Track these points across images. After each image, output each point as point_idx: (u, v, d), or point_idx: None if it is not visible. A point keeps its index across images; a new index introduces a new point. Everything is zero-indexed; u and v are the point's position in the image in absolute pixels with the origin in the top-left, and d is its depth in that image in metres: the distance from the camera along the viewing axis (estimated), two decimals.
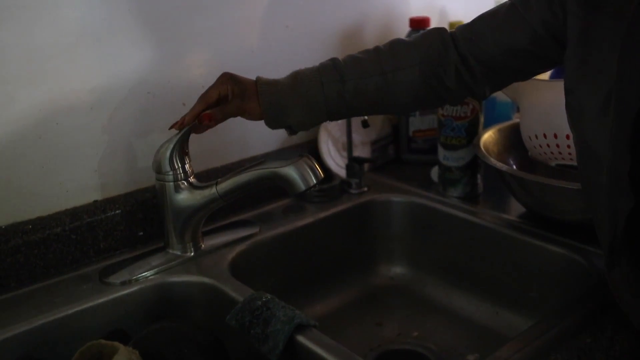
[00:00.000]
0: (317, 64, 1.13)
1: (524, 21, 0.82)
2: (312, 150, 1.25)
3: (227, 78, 0.90)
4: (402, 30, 1.36)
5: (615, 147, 0.67)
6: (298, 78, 0.89)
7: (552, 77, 1.23)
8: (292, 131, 0.92)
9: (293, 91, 0.88)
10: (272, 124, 0.90)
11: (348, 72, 0.89)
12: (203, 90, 1.07)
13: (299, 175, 0.88)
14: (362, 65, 0.89)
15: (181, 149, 0.94)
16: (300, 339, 0.77)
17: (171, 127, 0.93)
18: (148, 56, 1.01)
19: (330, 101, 0.89)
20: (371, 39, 1.34)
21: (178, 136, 0.92)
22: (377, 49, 0.91)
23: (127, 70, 1.00)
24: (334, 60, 0.91)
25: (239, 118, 1.00)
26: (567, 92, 0.77)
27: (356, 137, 1.26)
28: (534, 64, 0.87)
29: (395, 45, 0.91)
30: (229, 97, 0.89)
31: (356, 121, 1.21)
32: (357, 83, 0.89)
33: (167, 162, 0.93)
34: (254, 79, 0.91)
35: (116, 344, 0.73)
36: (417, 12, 1.40)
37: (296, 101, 0.88)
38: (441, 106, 1.03)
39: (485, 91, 0.92)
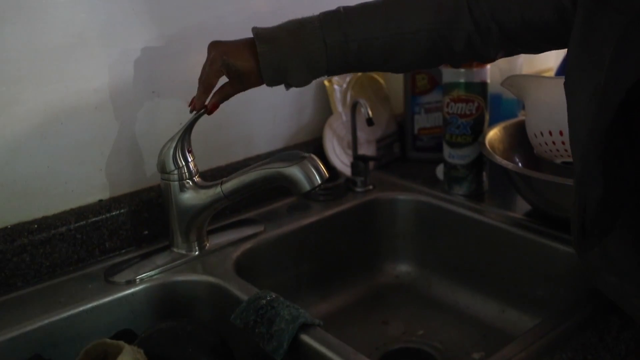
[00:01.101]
0: None
1: None
2: (317, 149, 1.25)
3: (219, 63, 0.88)
4: None
5: (592, 134, 0.67)
6: (300, 35, 0.87)
7: (557, 73, 1.23)
8: (289, 86, 0.91)
9: (295, 51, 0.87)
10: (271, 83, 0.90)
11: (352, 31, 0.87)
12: None
13: (304, 175, 0.88)
14: (367, 25, 0.87)
15: (183, 146, 0.94)
16: (305, 338, 0.77)
17: (191, 110, 0.93)
18: (152, 55, 1.01)
19: (332, 61, 0.88)
20: None
21: (179, 133, 0.93)
22: (385, 4, 0.88)
23: (131, 70, 1.00)
24: (337, 15, 0.88)
25: (242, 118, 1.01)
26: (565, 76, 0.77)
27: (361, 135, 1.25)
28: (555, 41, 0.85)
29: (404, 3, 0.88)
30: (227, 78, 0.90)
31: (361, 119, 1.20)
32: (361, 44, 0.87)
33: (170, 160, 0.93)
34: (246, 37, 0.89)
35: (121, 343, 0.73)
36: None
37: (298, 63, 0.87)
38: (438, 66, 0.98)
39: (496, 56, 0.90)
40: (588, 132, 0.68)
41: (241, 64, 0.88)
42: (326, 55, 0.87)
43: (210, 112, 0.92)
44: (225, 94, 0.92)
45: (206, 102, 0.92)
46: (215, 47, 0.90)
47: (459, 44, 0.87)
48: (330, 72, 0.90)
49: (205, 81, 0.90)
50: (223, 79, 0.91)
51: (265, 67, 0.87)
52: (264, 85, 1.07)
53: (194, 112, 0.93)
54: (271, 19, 1.12)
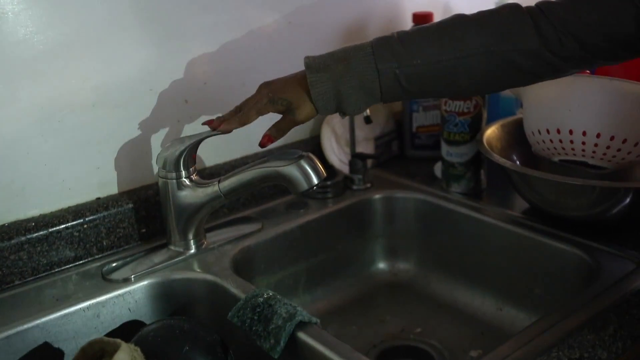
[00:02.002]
0: None
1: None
2: (315, 147, 1.25)
3: (265, 101, 0.88)
4: (406, 26, 1.36)
5: None
6: (352, 63, 0.84)
7: None
8: (344, 114, 0.89)
9: (345, 79, 0.84)
10: (325, 112, 0.88)
11: (407, 56, 0.82)
12: (205, 87, 1.08)
13: (301, 174, 0.88)
14: (422, 49, 0.82)
15: (190, 154, 0.94)
16: (302, 336, 0.77)
17: (204, 123, 0.92)
18: (149, 53, 1.01)
19: (387, 88, 0.84)
20: (374, 35, 1.33)
21: (192, 141, 0.93)
22: (439, 29, 0.84)
23: (128, 68, 1.00)
24: (390, 40, 0.84)
25: None
26: None
27: (359, 134, 1.25)
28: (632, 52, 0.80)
29: (459, 26, 0.83)
30: (279, 113, 0.89)
31: (359, 117, 1.20)
32: (416, 70, 0.82)
33: (174, 162, 0.93)
34: (299, 72, 0.88)
35: (118, 341, 0.73)
36: (421, 7, 1.39)
37: (351, 91, 0.85)
38: (504, 89, 0.93)
39: (571, 71, 0.84)
40: None
41: (290, 95, 0.87)
42: (379, 82, 0.84)
43: (263, 145, 0.90)
44: (280, 129, 0.90)
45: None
46: (266, 86, 0.90)
47: (528, 62, 0.81)
48: (386, 100, 0.87)
49: (244, 114, 0.89)
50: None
51: (316, 95, 0.85)
52: (261, 82, 1.07)
53: (213, 130, 0.92)
54: (274, 19, 1.12)
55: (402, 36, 0.84)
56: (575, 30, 0.78)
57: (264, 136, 0.90)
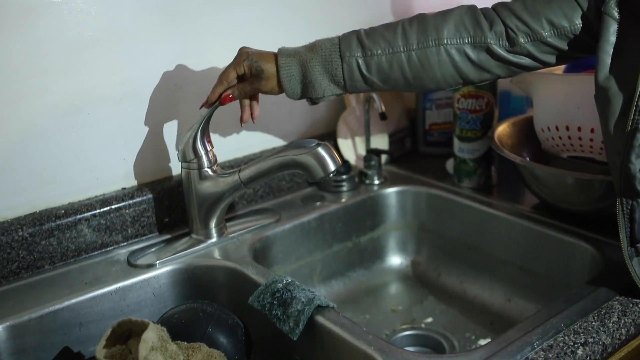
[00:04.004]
0: None
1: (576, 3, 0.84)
2: (331, 142, 1.28)
3: (245, 57, 0.94)
4: None
5: (625, 155, 0.75)
6: (319, 51, 0.91)
7: (566, 71, 1.26)
8: (312, 102, 0.96)
9: (312, 64, 0.91)
10: (292, 96, 0.94)
11: (372, 46, 0.90)
12: None
13: (318, 162, 0.91)
14: (387, 40, 0.90)
15: (203, 137, 0.98)
16: (320, 319, 0.81)
17: (201, 107, 0.97)
18: (175, 50, 1.05)
19: (350, 76, 0.91)
20: None
21: (198, 124, 0.97)
22: (400, 24, 0.91)
23: (154, 64, 1.04)
24: (356, 33, 0.92)
25: (261, 111, 1.05)
26: (597, 84, 0.80)
27: (374, 130, 1.29)
28: (581, 50, 0.87)
29: (418, 21, 0.90)
30: (247, 76, 0.94)
31: (374, 114, 1.24)
32: (380, 59, 0.90)
33: (190, 149, 0.97)
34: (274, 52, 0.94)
35: (146, 321, 0.77)
36: (432, 7, 1.42)
37: (316, 76, 0.91)
38: (466, 85, 1.00)
39: (525, 67, 0.90)
40: (622, 149, 0.75)
41: (264, 64, 0.93)
42: (342, 70, 0.91)
43: (222, 103, 0.95)
44: (242, 90, 0.95)
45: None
46: (244, 49, 0.96)
47: (481, 57, 0.89)
48: (350, 88, 0.93)
49: (224, 74, 0.95)
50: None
51: (284, 77, 0.92)
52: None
53: (205, 106, 0.97)
54: (288, 16, 1.16)
55: (368, 30, 0.92)
56: (526, 29, 0.86)
57: (225, 94, 0.95)
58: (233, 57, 1.11)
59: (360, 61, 0.90)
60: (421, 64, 0.90)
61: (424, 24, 0.90)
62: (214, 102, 0.96)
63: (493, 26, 0.88)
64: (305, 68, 0.92)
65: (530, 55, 0.88)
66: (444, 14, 0.90)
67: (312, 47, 0.92)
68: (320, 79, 0.92)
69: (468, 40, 0.88)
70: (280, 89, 0.94)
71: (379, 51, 0.90)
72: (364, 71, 0.91)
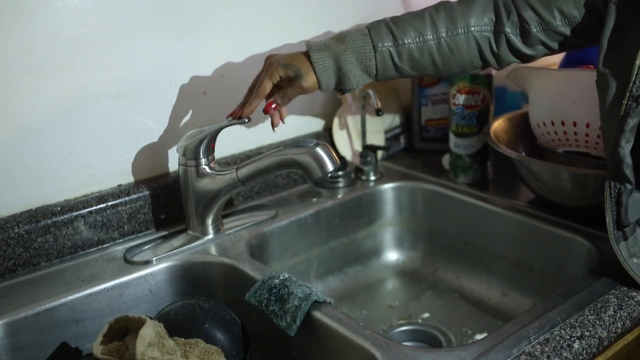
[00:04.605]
0: None
1: None
2: (327, 138, 1.29)
3: (276, 64, 0.93)
4: None
5: (616, 139, 0.77)
6: (350, 43, 0.92)
7: (561, 66, 1.26)
8: (342, 92, 0.97)
9: (346, 57, 0.92)
10: (326, 88, 0.95)
11: (401, 35, 0.92)
12: (223, 79, 1.12)
13: (316, 162, 0.91)
14: (417, 29, 0.92)
15: (209, 143, 0.98)
16: (317, 314, 0.81)
17: (228, 117, 0.97)
18: (170, 47, 1.05)
19: (381, 64, 0.93)
20: None
21: (212, 130, 0.96)
22: (426, 12, 0.94)
23: (150, 60, 1.04)
24: (385, 23, 0.93)
25: (257, 108, 1.05)
26: (598, 69, 0.83)
27: (370, 126, 1.29)
28: (588, 38, 0.91)
29: (444, 9, 0.93)
30: (283, 81, 0.94)
31: (370, 110, 1.24)
32: (405, 48, 0.92)
33: (193, 150, 0.97)
34: (302, 51, 0.94)
35: (143, 317, 0.77)
36: (431, 2, 1.42)
37: (350, 67, 0.92)
38: (483, 69, 1.03)
39: (536, 56, 0.95)
40: (619, 127, 0.77)
41: (299, 64, 0.93)
42: (375, 60, 0.93)
43: (266, 112, 0.95)
44: (285, 95, 0.95)
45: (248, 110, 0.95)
46: (272, 56, 0.95)
47: (500, 46, 0.93)
48: (381, 77, 0.95)
49: (261, 88, 0.93)
50: None
51: (320, 72, 0.93)
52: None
53: (233, 117, 0.96)
54: (284, 12, 1.16)
55: (394, 19, 0.94)
56: (538, 19, 0.90)
57: (268, 103, 0.95)
58: (231, 53, 1.12)
59: (392, 50, 0.92)
60: (450, 51, 0.93)
61: (451, 12, 0.93)
62: (246, 116, 0.95)
63: (510, 16, 0.91)
64: (339, 60, 0.93)
65: (542, 44, 0.92)
66: (468, 2, 0.93)
67: (342, 39, 0.93)
68: (354, 70, 0.93)
69: (490, 28, 0.92)
70: (318, 85, 0.94)
71: (409, 40, 0.92)
72: (396, 60, 0.93)
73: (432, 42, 0.92)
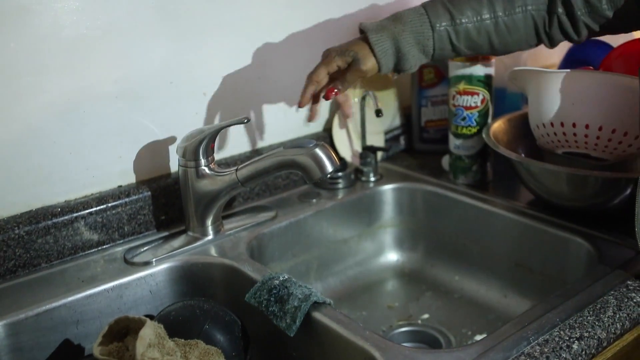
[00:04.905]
0: None
1: None
2: (326, 139, 1.29)
3: (333, 55, 0.94)
4: None
5: None
6: (407, 23, 0.93)
7: (560, 67, 1.27)
8: (398, 73, 0.98)
9: (404, 36, 0.93)
10: (386, 69, 0.96)
11: (455, 15, 0.93)
12: (222, 80, 1.12)
13: (316, 163, 0.91)
14: (473, 8, 0.93)
15: (209, 143, 0.98)
16: (317, 315, 0.81)
17: (329, 96, 0.97)
18: (170, 48, 1.05)
19: (440, 44, 0.94)
20: None
21: (212, 130, 0.97)
22: None
23: (150, 62, 1.04)
24: (440, 3, 0.94)
25: (255, 109, 1.05)
26: None
27: (370, 127, 1.29)
28: (631, 22, 0.92)
29: None
30: (341, 68, 0.95)
31: (370, 111, 1.24)
32: (462, 27, 0.93)
33: (193, 151, 0.97)
34: (357, 35, 0.95)
35: (143, 318, 0.77)
36: None
37: (409, 47, 0.93)
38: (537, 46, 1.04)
39: (581, 39, 0.96)
40: None
41: (356, 48, 0.94)
42: (433, 39, 0.93)
43: (327, 98, 0.96)
44: (345, 80, 0.96)
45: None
46: (328, 49, 0.97)
47: (552, 26, 0.94)
48: (438, 57, 0.96)
49: (315, 74, 0.95)
50: None
51: (380, 53, 0.93)
52: (276, 78, 1.13)
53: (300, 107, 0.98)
54: (284, 13, 1.16)
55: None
56: (585, 2, 0.91)
57: (329, 89, 0.96)
58: (231, 54, 1.13)
59: (450, 30, 0.93)
60: (508, 30, 0.94)
61: None
62: (307, 103, 0.96)
63: (559, 4, 0.92)
64: (398, 41, 0.93)
65: (587, 27, 0.93)
66: None
67: (398, 19, 0.94)
68: (412, 50, 0.94)
69: (545, 7, 0.93)
70: (378, 67, 0.95)
71: (466, 20, 0.93)
72: (454, 40, 0.94)
73: (489, 21, 0.93)
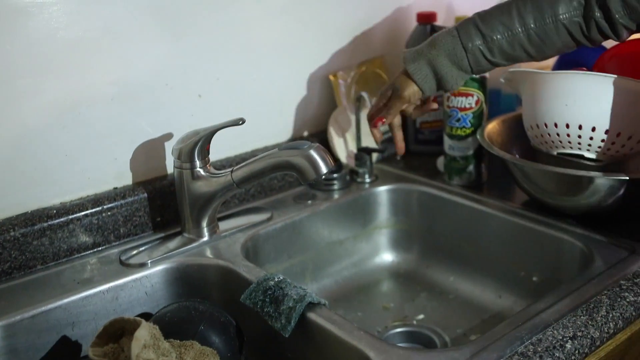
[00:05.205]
0: (329, 57, 1.20)
1: None
2: (322, 141, 1.29)
3: (380, 93, 1.05)
4: (409, 25, 1.40)
5: None
6: (442, 47, 0.96)
7: (553, 68, 1.27)
8: (444, 90, 1.02)
9: (440, 60, 0.97)
10: (430, 92, 1.01)
11: (487, 33, 0.95)
12: (217, 82, 1.15)
13: (310, 164, 0.91)
14: (499, 26, 0.95)
15: (204, 145, 0.99)
16: (312, 316, 0.82)
17: (375, 124, 1.05)
18: (165, 50, 1.06)
19: (476, 63, 0.97)
20: (379, 32, 1.38)
21: (207, 132, 0.97)
22: (516, 5, 0.95)
23: (145, 64, 1.04)
24: (472, 21, 0.96)
25: (250, 111, 1.06)
26: None
27: (365, 128, 1.29)
28: None
29: (534, 0, 0.95)
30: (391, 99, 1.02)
31: (365, 112, 1.24)
32: (495, 44, 0.95)
33: (188, 152, 0.98)
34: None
35: (138, 319, 0.78)
36: (424, 6, 1.43)
37: (446, 69, 0.97)
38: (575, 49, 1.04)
39: (621, 39, 0.96)
40: None
41: (397, 80, 1.01)
42: (467, 59, 0.97)
43: (375, 125, 1.05)
44: (389, 110, 1.03)
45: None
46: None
47: (590, 30, 0.94)
48: (478, 72, 1.00)
49: (368, 113, 1.07)
50: None
51: (420, 80, 0.99)
52: (271, 80, 1.13)
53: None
54: (280, 15, 1.16)
55: (482, 16, 0.97)
56: (622, 3, 0.91)
57: (376, 119, 1.03)
58: (226, 56, 1.13)
59: (482, 48, 0.96)
60: (541, 40, 0.95)
61: (538, 2, 0.94)
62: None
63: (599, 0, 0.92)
64: (434, 65, 0.97)
65: (626, 28, 0.93)
66: None
67: (433, 44, 0.98)
68: (450, 71, 0.97)
69: (580, 12, 0.93)
70: (420, 91, 1.00)
71: (499, 36, 0.95)
72: (488, 56, 0.96)
73: (521, 34, 0.94)
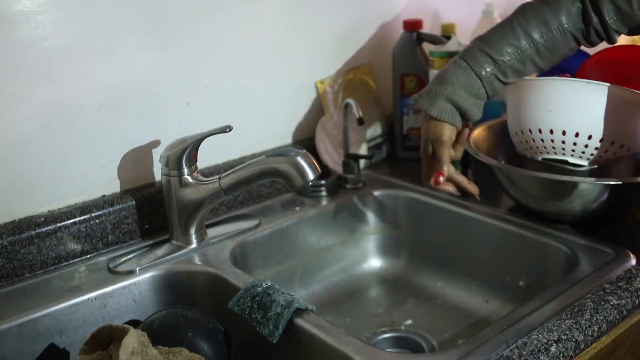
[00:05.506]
0: (317, 64, 1.19)
1: None
2: (310, 147, 1.29)
3: (422, 153, 1.05)
4: (396, 32, 1.41)
5: None
6: (455, 82, 0.97)
7: (538, 75, 1.28)
8: (468, 121, 1.03)
9: (457, 95, 0.97)
10: (460, 127, 1.02)
11: (496, 57, 0.96)
12: (205, 90, 1.15)
13: (297, 170, 0.92)
14: (506, 46, 0.96)
15: (192, 152, 0.99)
16: (299, 322, 0.82)
17: (437, 182, 1.02)
18: (153, 58, 1.06)
19: (490, 87, 0.98)
20: (367, 40, 1.39)
21: (194, 140, 0.98)
22: (518, 22, 0.97)
23: (133, 72, 1.04)
24: (476, 49, 0.97)
25: (239, 118, 1.06)
26: None
27: (352, 135, 1.30)
28: None
29: (536, 13, 0.96)
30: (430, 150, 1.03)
31: (352, 119, 1.25)
32: (506, 64, 0.97)
33: (176, 160, 0.98)
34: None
35: (126, 326, 0.78)
36: (410, 14, 1.45)
37: (464, 101, 0.98)
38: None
39: (615, 42, 0.99)
40: None
41: (431, 129, 1.01)
42: (484, 87, 0.98)
43: (436, 183, 1.02)
44: (439, 160, 1.02)
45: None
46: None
47: (589, 35, 0.96)
48: (492, 96, 1.01)
49: (422, 177, 1.06)
50: None
51: (448, 119, 0.99)
52: (259, 87, 1.14)
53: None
54: (269, 23, 1.17)
55: (483, 40, 0.98)
56: (616, 10, 0.94)
57: (435, 176, 1.01)
58: (214, 64, 1.14)
59: (495, 72, 0.97)
60: (549, 51, 0.97)
61: (540, 15, 0.96)
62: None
63: (593, 5, 0.94)
64: (455, 101, 0.98)
65: (617, 32, 0.96)
66: (550, 6, 0.96)
67: (445, 81, 0.98)
68: (470, 102, 0.98)
69: (581, 18, 0.95)
70: (454, 128, 1.01)
71: (508, 57, 0.96)
72: (502, 79, 0.98)
73: (530, 50, 0.96)
